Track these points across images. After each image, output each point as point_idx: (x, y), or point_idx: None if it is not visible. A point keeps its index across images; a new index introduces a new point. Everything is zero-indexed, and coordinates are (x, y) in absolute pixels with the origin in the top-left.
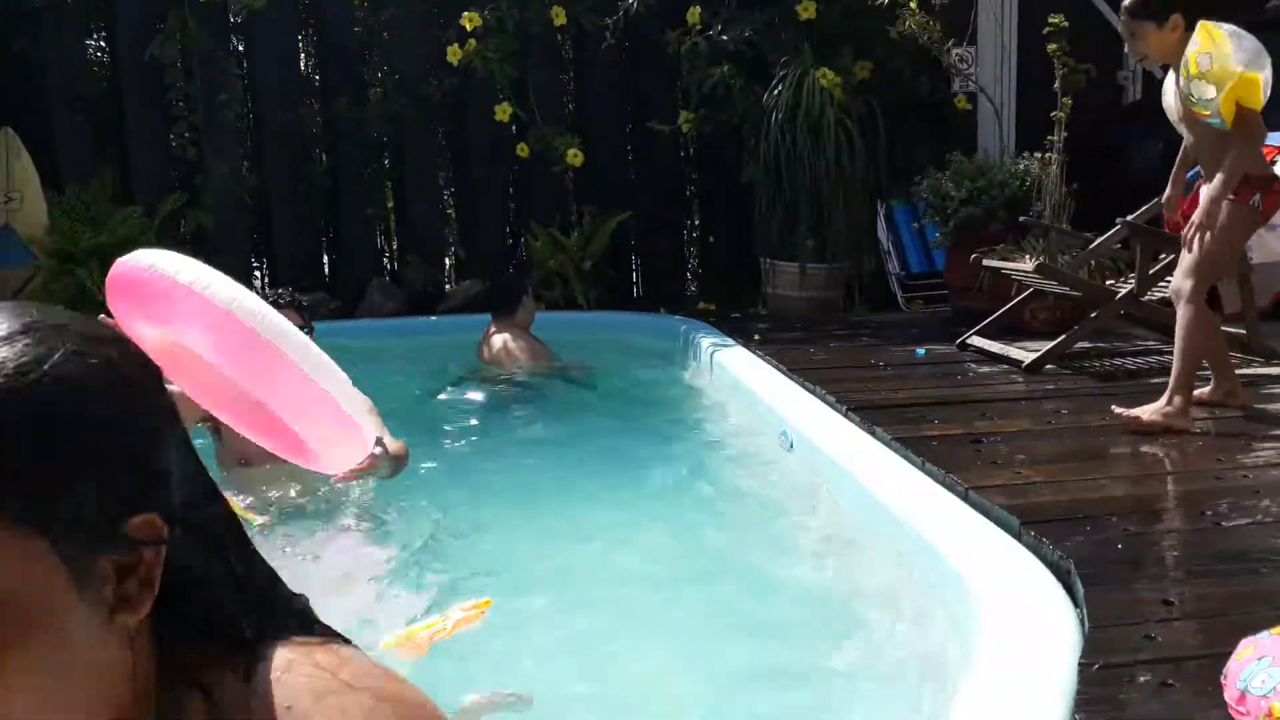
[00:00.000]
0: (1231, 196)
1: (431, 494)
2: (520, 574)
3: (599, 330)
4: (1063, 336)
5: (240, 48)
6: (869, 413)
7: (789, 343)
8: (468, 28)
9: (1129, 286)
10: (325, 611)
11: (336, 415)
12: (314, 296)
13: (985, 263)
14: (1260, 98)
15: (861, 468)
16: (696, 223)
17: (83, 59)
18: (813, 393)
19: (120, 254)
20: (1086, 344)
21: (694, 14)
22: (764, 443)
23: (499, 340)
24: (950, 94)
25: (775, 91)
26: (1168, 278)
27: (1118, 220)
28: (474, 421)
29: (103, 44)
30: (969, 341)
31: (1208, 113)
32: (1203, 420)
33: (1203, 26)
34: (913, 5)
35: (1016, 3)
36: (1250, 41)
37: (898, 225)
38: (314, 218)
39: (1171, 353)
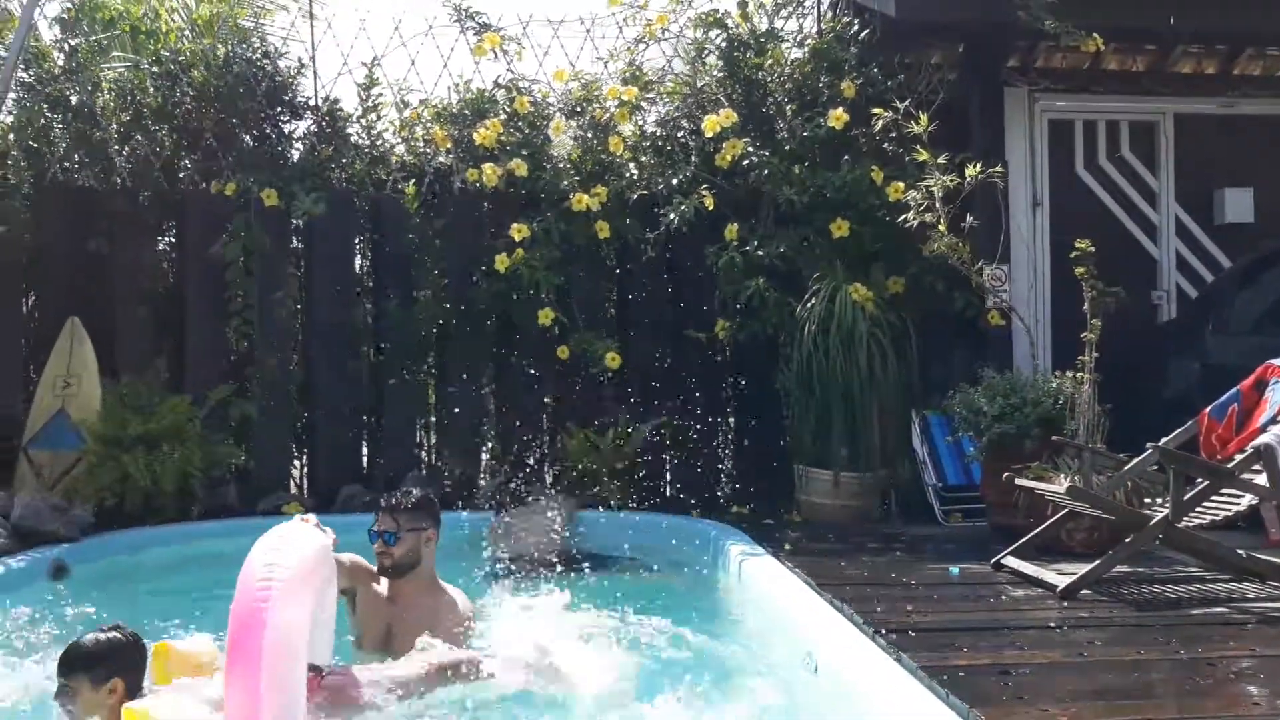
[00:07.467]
0: None
1: None
2: None
3: (630, 532)
4: (1098, 561)
5: (299, 247)
6: (897, 636)
7: (821, 554)
8: (516, 238)
9: (1165, 511)
10: None
11: None
12: (350, 489)
13: (1018, 482)
14: None
15: (886, 698)
16: (732, 424)
17: (151, 256)
18: (840, 611)
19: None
20: (1125, 569)
21: (731, 230)
22: (788, 662)
23: None
24: (985, 309)
25: (809, 304)
26: (1205, 503)
27: (1148, 445)
28: None
29: (171, 240)
30: (1003, 562)
31: None
32: (1242, 656)
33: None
34: (941, 227)
35: (1048, 225)
36: None
37: (934, 436)
38: (357, 411)
39: (1213, 579)
